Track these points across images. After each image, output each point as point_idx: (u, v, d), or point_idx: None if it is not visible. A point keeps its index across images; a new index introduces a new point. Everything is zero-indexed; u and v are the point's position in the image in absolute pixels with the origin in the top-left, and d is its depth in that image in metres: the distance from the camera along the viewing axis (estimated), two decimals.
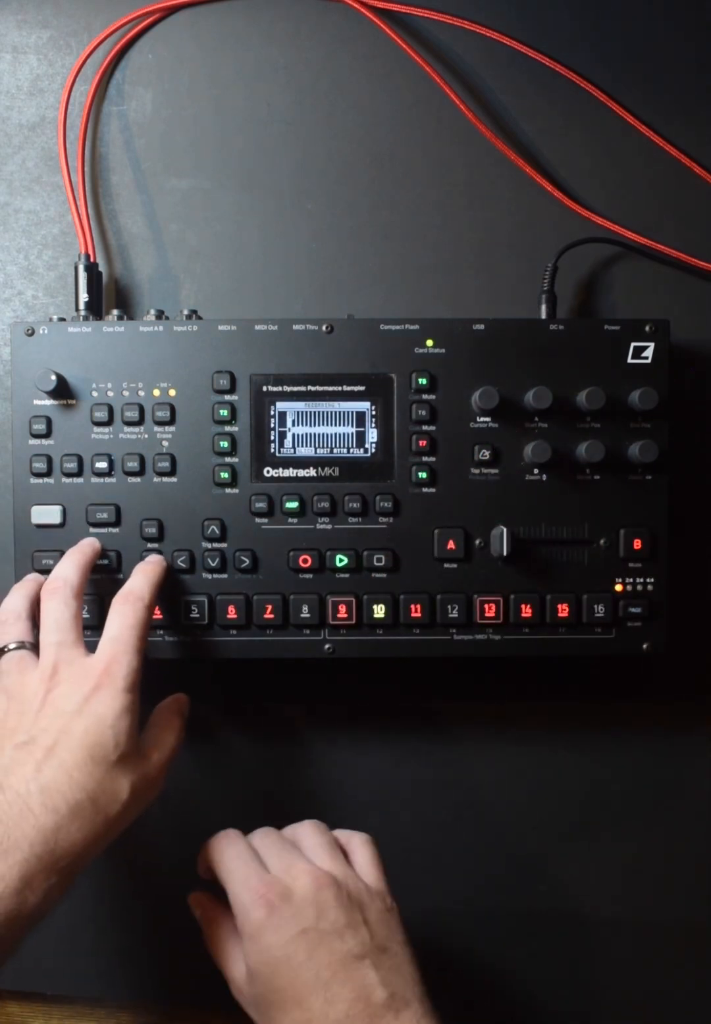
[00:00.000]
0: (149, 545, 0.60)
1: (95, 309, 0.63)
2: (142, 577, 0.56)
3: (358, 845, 0.55)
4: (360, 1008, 0.47)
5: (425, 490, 0.60)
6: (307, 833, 0.55)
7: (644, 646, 0.61)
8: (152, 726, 0.55)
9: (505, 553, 0.59)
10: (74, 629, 0.53)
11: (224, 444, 0.60)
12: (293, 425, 0.60)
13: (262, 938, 0.50)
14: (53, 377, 0.58)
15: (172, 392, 0.60)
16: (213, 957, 0.54)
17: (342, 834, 0.57)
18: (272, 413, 0.60)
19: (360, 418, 0.60)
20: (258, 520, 0.60)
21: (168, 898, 0.66)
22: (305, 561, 0.60)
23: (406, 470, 0.60)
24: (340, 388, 0.60)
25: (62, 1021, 0.66)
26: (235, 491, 0.60)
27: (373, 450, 0.61)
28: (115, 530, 0.60)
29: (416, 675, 0.66)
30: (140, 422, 0.60)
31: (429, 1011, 0.49)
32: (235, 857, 0.53)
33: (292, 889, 0.51)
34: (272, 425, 0.60)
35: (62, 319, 0.61)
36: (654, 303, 0.66)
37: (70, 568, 0.55)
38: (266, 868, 0.52)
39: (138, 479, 0.60)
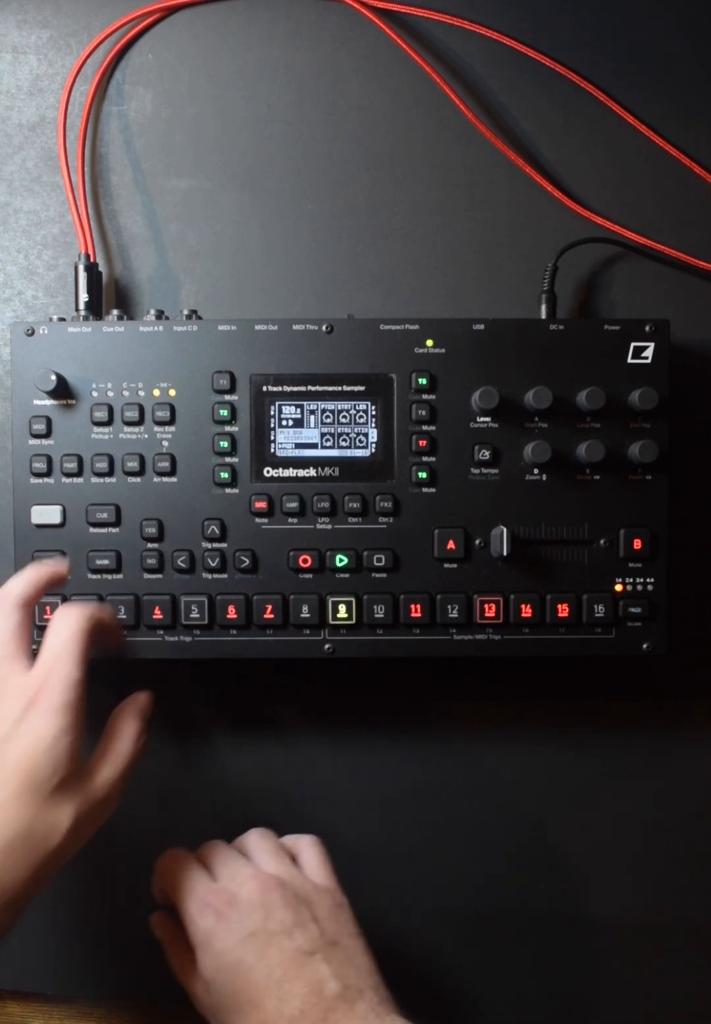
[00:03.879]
0: (149, 545, 0.60)
1: (95, 309, 0.63)
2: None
3: (304, 847, 0.56)
4: (313, 1002, 0.47)
5: (425, 490, 0.60)
6: (253, 841, 0.56)
7: (644, 646, 0.61)
8: (105, 736, 0.52)
9: (505, 553, 0.59)
10: (13, 642, 0.50)
11: (224, 444, 0.60)
12: (293, 425, 0.60)
13: (213, 945, 0.50)
14: (53, 377, 0.58)
15: (172, 392, 0.60)
16: (176, 975, 0.54)
17: (289, 839, 0.57)
18: (272, 413, 0.60)
19: (360, 418, 0.60)
20: (258, 520, 0.60)
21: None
22: (305, 561, 0.60)
23: (406, 470, 0.60)
24: (340, 388, 0.60)
25: (62, 1021, 0.66)
26: (235, 491, 0.60)
27: (373, 450, 0.61)
28: (115, 530, 0.60)
29: (416, 675, 0.66)
30: (140, 422, 0.60)
31: (384, 999, 0.49)
32: (182, 872, 0.54)
33: (238, 894, 0.51)
34: (272, 425, 0.60)
35: (62, 319, 0.61)
36: (654, 303, 0.66)
37: (18, 581, 0.53)
38: (214, 879, 0.53)
39: (138, 479, 0.60)
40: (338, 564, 0.60)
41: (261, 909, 0.50)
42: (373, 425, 0.60)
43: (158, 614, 0.59)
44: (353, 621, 0.60)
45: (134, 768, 0.52)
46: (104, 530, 0.60)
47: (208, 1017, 0.52)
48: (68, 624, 0.51)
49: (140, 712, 0.54)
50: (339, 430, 0.61)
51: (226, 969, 0.49)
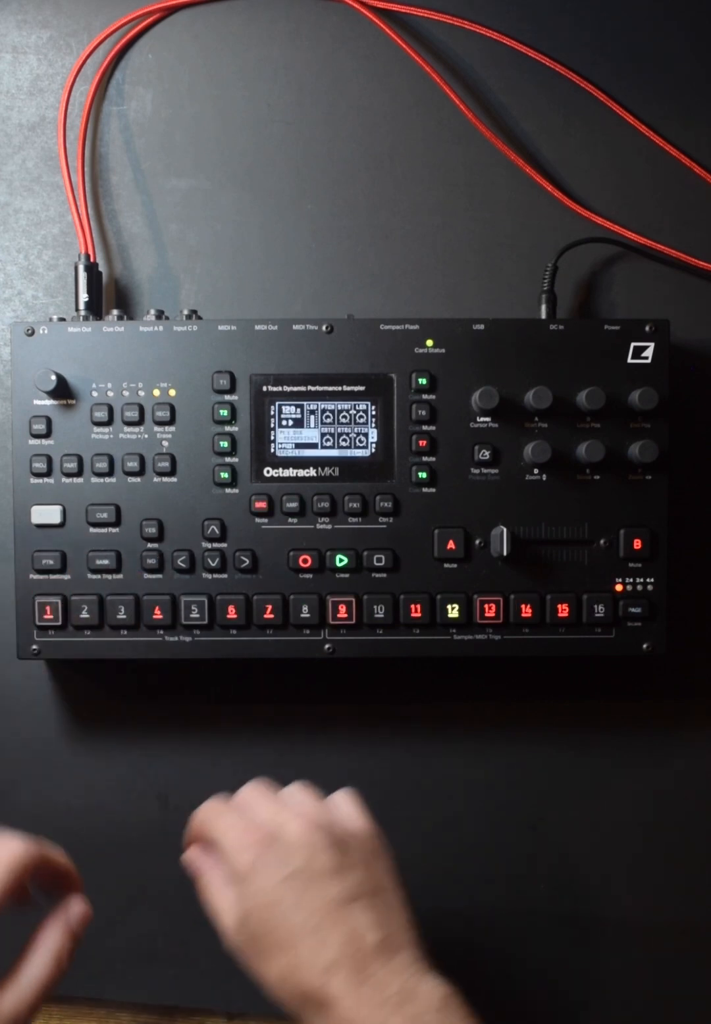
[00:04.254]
0: (149, 545, 0.60)
1: (95, 309, 0.63)
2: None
3: (343, 798, 0.54)
4: (351, 951, 0.46)
5: (425, 490, 0.60)
6: (293, 790, 0.54)
7: (644, 646, 0.61)
8: (21, 954, 0.46)
9: (505, 553, 0.59)
10: None
11: (224, 444, 0.60)
12: (293, 425, 0.60)
13: (251, 882, 0.48)
14: (53, 377, 0.58)
15: (172, 392, 0.60)
16: (207, 908, 0.52)
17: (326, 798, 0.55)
18: (272, 413, 0.60)
19: (360, 418, 0.60)
20: (258, 520, 0.60)
21: (167, 897, 0.66)
22: (305, 561, 0.60)
23: (406, 470, 0.60)
24: (340, 388, 0.60)
25: (62, 1021, 0.66)
26: (235, 491, 0.60)
27: (373, 450, 0.61)
28: (115, 530, 0.60)
29: (416, 675, 0.66)
30: (140, 422, 0.60)
31: (421, 957, 0.48)
32: (223, 814, 0.52)
33: (281, 833, 0.49)
34: (272, 425, 0.60)
35: (62, 319, 0.61)
36: (654, 303, 0.66)
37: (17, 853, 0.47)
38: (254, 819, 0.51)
39: (138, 479, 0.60)
40: (338, 564, 0.60)
41: (304, 850, 0.48)
42: (373, 425, 0.60)
43: (158, 614, 0.59)
44: (353, 621, 0.60)
45: (50, 992, 0.46)
46: (104, 530, 0.60)
47: (236, 951, 0.50)
48: (9, 849, 0.46)
49: (68, 928, 0.48)
50: (339, 430, 0.61)
51: (262, 908, 0.48)
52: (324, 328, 0.60)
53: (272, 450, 0.60)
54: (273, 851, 0.49)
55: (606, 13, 0.66)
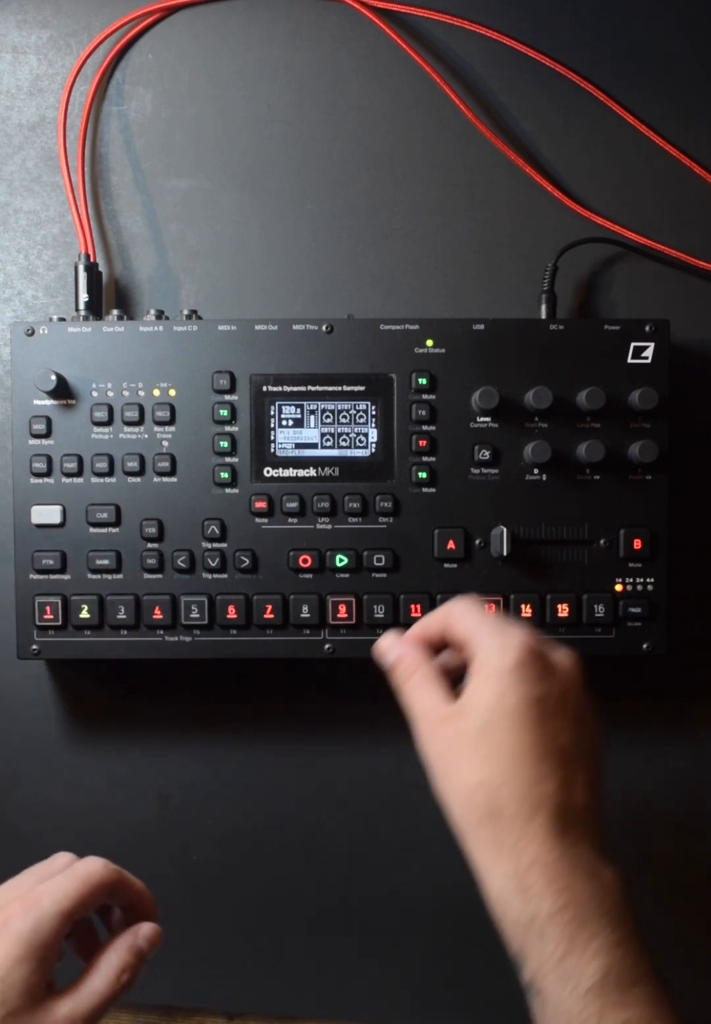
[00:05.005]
0: (149, 545, 0.60)
1: (95, 309, 0.63)
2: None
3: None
4: (561, 799, 0.44)
5: (425, 490, 0.60)
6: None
7: (644, 646, 0.61)
8: (86, 967, 0.46)
9: (505, 553, 0.59)
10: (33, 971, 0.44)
11: (224, 444, 0.60)
12: (293, 425, 0.60)
13: (505, 678, 0.45)
14: (53, 377, 0.58)
15: (172, 392, 0.60)
16: (407, 696, 0.49)
17: None
18: (272, 413, 0.60)
19: (360, 418, 0.60)
20: (258, 520, 0.60)
21: (168, 897, 0.66)
22: (305, 561, 0.60)
23: (406, 470, 0.60)
24: (340, 388, 0.60)
25: None
26: (235, 491, 0.60)
27: (373, 450, 0.61)
28: (115, 530, 0.60)
29: None
30: (140, 422, 0.60)
31: (605, 849, 0.46)
32: (489, 619, 0.49)
33: (552, 655, 0.48)
34: (272, 425, 0.60)
35: (62, 319, 0.61)
36: (654, 303, 0.66)
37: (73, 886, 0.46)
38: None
39: (138, 479, 0.60)
40: (338, 564, 0.60)
41: (565, 683, 0.47)
42: (373, 425, 0.60)
43: (158, 614, 0.59)
44: (353, 621, 0.60)
45: (109, 1006, 0.46)
46: (104, 530, 0.60)
47: (432, 738, 0.48)
48: (87, 868, 0.46)
49: (133, 948, 0.47)
50: (339, 430, 0.61)
51: (501, 710, 0.45)
52: (324, 328, 0.60)
53: (272, 450, 0.60)
54: (541, 665, 0.46)
55: (606, 13, 0.66)
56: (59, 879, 0.45)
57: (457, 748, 0.47)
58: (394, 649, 0.50)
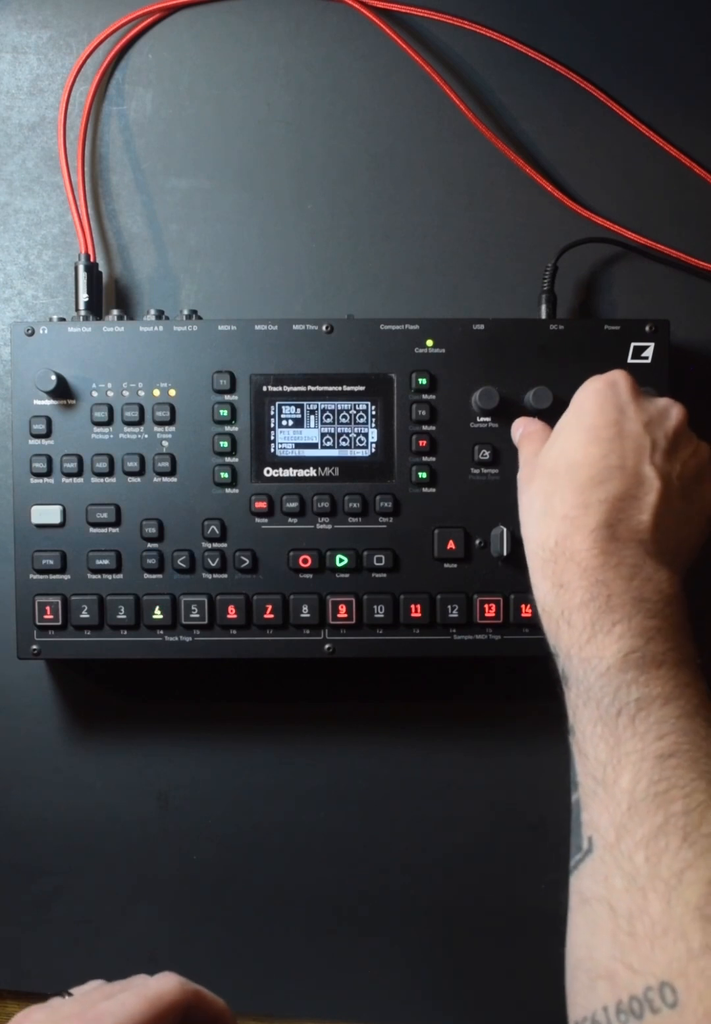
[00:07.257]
0: (149, 545, 0.60)
1: (95, 309, 0.63)
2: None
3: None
4: (613, 508, 0.47)
5: (425, 490, 0.60)
6: None
7: None
8: None
9: (505, 553, 0.59)
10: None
11: (224, 444, 0.60)
12: (293, 425, 0.60)
13: (587, 401, 0.51)
14: (53, 377, 0.58)
15: (172, 392, 0.60)
16: (521, 452, 0.56)
17: None
18: (272, 413, 0.60)
19: (360, 418, 0.60)
20: (258, 520, 0.60)
21: (167, 897, 0.66)
22: (305, 561, 0.60)
23: (406, 470, 0.60)
24: (340, 388, 0.60)
25: None
26: (235, 491, 0.60)
27: (373, 450, 0.61)
28: (115, 530, 0.60)
29: (416, 675, 0.66)
30: (140, 422, 0.60)
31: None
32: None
33: (649, 396, 0.53)
34: (272, 425, 0.60)
35: (62, 319, 0.61)
36: (654, 303, 0.66)
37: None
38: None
39: (138, 479, 0.60)
40: (338, 564, 0.60)
41: (653, 417, 0.51)
42: (373, 425, 0.61)
43: (158, 614, 0.59)
44: (353, 621, 0.60)
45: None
46: (104, 530, 0.60)
47: (525, 474, 0.54)
48: (159, 987, 0.43)
49: None
50: (339, 430, 0.61)
51: (588, 428, 0.50)
52: (324, 328, 0.60)
53: (272, 450, 0.60)
54: (626, 399, 0.51)
55: (606, 13, 0.66)
56: (124, 997, 0.42)
57: (533, 470, 0.52)
58: (520, 426, 0.57)
